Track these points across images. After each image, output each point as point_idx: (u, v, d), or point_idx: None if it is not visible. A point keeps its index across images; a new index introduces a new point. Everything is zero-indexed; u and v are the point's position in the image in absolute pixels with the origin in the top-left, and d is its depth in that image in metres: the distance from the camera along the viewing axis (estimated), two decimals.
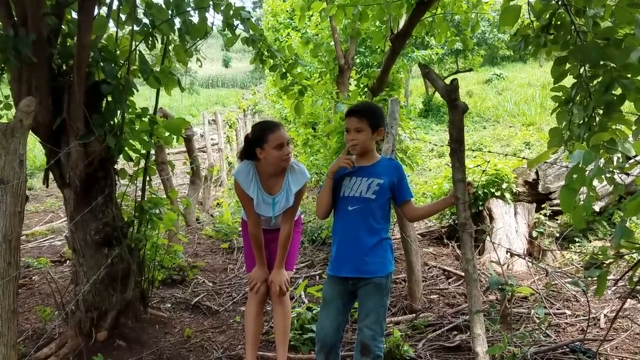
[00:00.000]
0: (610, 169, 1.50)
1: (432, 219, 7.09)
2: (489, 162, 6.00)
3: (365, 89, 6.49)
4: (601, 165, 1.44)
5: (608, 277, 4.63)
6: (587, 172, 1.46)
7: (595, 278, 1.59)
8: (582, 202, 1.53)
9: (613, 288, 4.62)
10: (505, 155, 3.79)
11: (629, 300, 4.25)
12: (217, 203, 9.21)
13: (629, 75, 2.88)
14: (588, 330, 3.80)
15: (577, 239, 6.06)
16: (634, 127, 2.93)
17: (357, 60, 10.54)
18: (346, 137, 2.69)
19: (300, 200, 3.14)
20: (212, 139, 13.07)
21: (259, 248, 3.11)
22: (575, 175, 1.41)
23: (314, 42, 7.83)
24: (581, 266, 5.27)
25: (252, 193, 3.00)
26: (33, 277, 5.12)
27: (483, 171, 4.47)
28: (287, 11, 14.02)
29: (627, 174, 1.50)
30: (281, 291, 3.12)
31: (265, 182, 3.04)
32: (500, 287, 2.34)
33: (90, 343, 3.45)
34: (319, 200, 2.75)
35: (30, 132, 2.75)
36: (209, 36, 3.74)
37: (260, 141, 2.91)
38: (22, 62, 3.00)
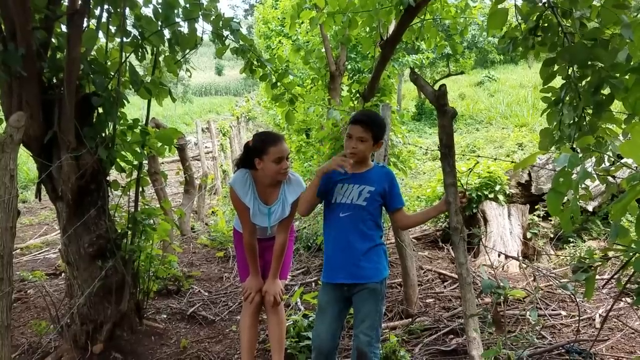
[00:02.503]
0: (597, 172, 1.51)
1: (427, 222, 7.10)
2: (477, 162, 6.03)
3: (357, 95, 6.51)
4: (591, 166, 1.45)
5: (602, 277, 4.66)
6: (574, 175, 1.48)
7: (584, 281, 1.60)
8: (570, 205, 1.54)
9: (609, 287, 4.64)
10: (495, 159, 3.81)
11: (624, 298, 4.27)
12: (212, 211, 9.20)
13: (617, 75, 2.90)
14: (584, 331, 3.81)
15: (571, 239, 6.08)
16: (623, 126, 2.96)
17: (349, 66, 10.58)
18: (347, 142, 2.66)
19: (296, 210, 3.13)
20: (206, 147, 13.08)
21: (253, 257, 3.11)
22: (561, 179, 1.42)
23: (305, 49, 7.86)
24: (570, 268, 5.29)
25: (249, 203, 3.00)
26: (28, 291, 5.09)
27: (470, 170, 4.48)
28: (278, 19, 14.09)
29: (613, 177, 1.52)
30: (275, 301, 3.12)
31: (262, 191, 3.04)
32: (493, 290, 2.35)
33: (86, 356, 3.44)
34: (303, 196, 2.77)
35: (21, 146, 2.76)
36: (200, 46, 3.75)
37: (260, 152, 2.90)
38: (12, 76, 3.00)
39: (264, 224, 3.05)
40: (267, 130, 3.34)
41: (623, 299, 4.26)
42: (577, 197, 1.43)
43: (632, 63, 2.76)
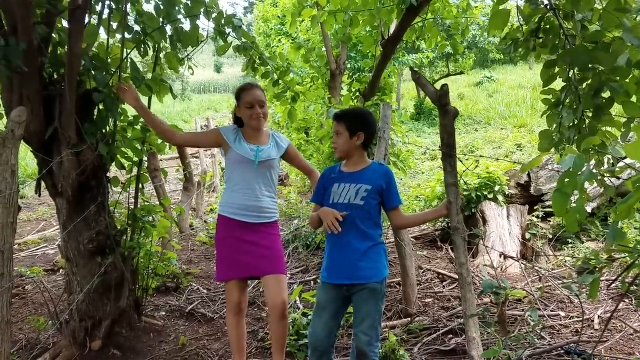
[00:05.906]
0: (601, 173, 1.51)
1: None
2: (477, 164, 6.04)
3: (357, 94, 6.52)
4: (592, 169, 1.45)
5: (603, 279, 4.67)
6: (579, 176, 1.48)
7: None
8: (574, 205, 1.54)
9: (606, 289, 4.64)
10: (497, 159, 3.81)
11: (623, 300, 4.27)
12: (211, 209, 9.18)
13: (618, 79, 2.91)
14: (582, 332, 3.81)
15: (570, 241, 6.08)
16: (623, 130, 2.97)
17: (349, 65, 10.57)
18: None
19: (303, 160, 3.36)
20: None
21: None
22: (567, 180, 1.42)
23: (305, 47, 7.86)
24: (574, 269, 5.29)
25: (233, 142, 3.07)
26: (26, 287, 5.09)
27: (465, 171, 4.48)
28: (278, 17, 14.07)
29: (618, 178, 1.52)
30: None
31: (250, 142, 3.12)
32: (493, 290, 2.35)
33: (85, 353, 3.43)
34: (313, 221, 2.80)
35: (22, 141, 2.75)
36: (202, 44, 3.74)
37: (237, 99, 3.10)
38: (13, 71, 2.99)
39: (250, 156, 3.03)
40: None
41: (623, 300, 4.26)
42: (583, 198, 1.43)
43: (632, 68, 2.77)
